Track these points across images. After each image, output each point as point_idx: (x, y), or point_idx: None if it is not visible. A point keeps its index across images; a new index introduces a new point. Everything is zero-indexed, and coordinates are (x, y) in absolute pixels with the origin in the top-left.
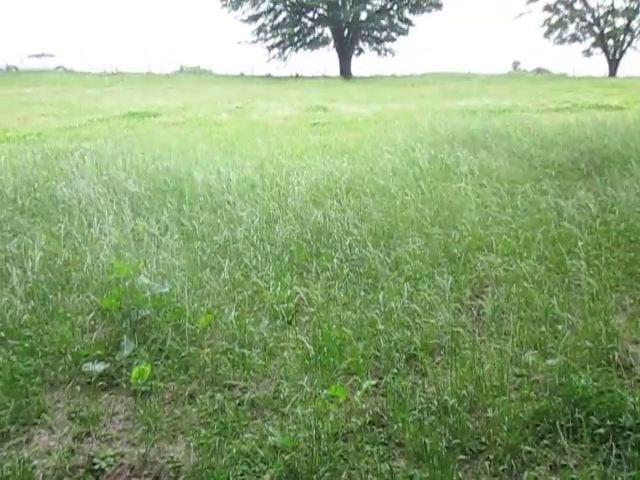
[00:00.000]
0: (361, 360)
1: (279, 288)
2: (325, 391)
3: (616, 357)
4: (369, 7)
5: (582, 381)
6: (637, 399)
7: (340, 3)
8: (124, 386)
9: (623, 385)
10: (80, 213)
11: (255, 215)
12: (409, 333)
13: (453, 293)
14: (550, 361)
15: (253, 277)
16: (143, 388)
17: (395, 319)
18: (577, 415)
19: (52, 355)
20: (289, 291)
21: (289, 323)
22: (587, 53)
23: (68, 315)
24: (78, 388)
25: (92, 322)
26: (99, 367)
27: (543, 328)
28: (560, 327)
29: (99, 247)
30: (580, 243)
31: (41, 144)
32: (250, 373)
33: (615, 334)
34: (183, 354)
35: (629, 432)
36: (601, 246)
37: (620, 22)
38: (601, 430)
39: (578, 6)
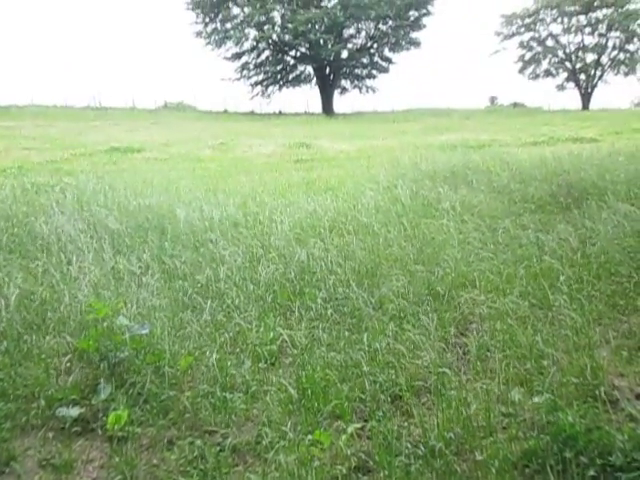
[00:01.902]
0: (346, 403)
1: (262, 329)
2: (309, 436)
3: (602, 392)
4: (350, 46)
5: (569, 418)
6: (626, 436)
7: (322, 42)
8: (100, 432)
9: (611, 421)
10: (59, 250)
11: (238, 254)
12: (394, 374)
13: (438, 332)
14: (536, 399)
15: (236, 318)
16: (120, 434)
17: (380, 360)
18: (566, 454)
19: (24, 399)
20: (272, 333)
21: (272, 365)
22: (561, 87)
23: (43, 357)
24: (51, 434)
25: (68, 364)
26: (74, 412)
27: (528, 365)
28: (545, 363)
29: (78, 286)
30: (562, 277)
31: (21, 178)
32: (232, 417)
33: (600, 368)
34: (162, 398)
35: (620, 473)
36: (583, 279)
37: (590, 57)
38: (591, 471)
39: (550, 43)
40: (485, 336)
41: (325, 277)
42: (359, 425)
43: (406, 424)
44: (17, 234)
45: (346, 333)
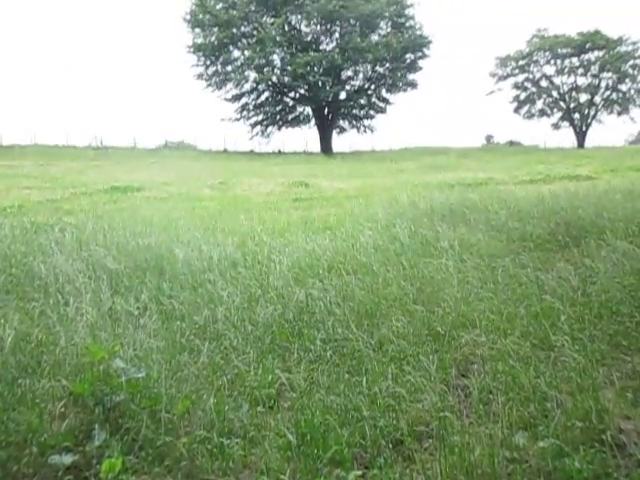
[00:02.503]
0: (346, 449)
1: (260, 371)
2: None
3: (609, 436)
4: (348, 87)
5: (576, 464)
6: None
7: (320, 84)
8: None
9: (619, 467)
10: (56, 291)
11: (236, 294)
12: (395, 418)
13: (439, 373)
14: (541, 443)
15: (234, 360)
16: None
17: (380, 403)
18: None
19: (16, 445)
20: (271, 375)
21: (270, 409)
22: (556, 126)
23: (37, 401)
24: None
25: (62, 409)
26: (67, 459)
27: (532, 407)
28: (549, 405)
29: (74, 327)
30: (563, 317)
31: (21, 217)
32: (229, 465)
33: (605, 411)
34: (158, 444)
35: None
36: (584, 319)
37: (584, 97)
38: None
39: (544, 84)
40: (487, 378)
41: (324, 318)
42: (360, 472)
43: (408, 471)
44: (15, 274)
45: (346, 375)
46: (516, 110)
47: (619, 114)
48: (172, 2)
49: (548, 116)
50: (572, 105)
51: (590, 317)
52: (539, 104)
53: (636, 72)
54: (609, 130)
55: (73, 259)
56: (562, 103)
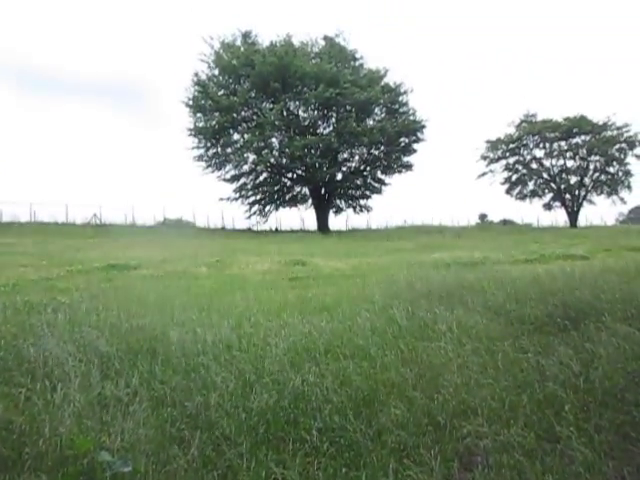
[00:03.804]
0: None
1: (253, 464)
2: None
3: None
4: (344, 169)
5: None
6: None
7: (317, 165)
8: None
9: None
10: (44, 376)
11: (230, 380)
12: None
13: (440, 468)
14: None
15: (226, 452)
16: None
17: None
18: None
19: None
20: (264, 470)
21: None
22: (547, 206)
23: None
24: None
25: None
26: None
27: None
28: None
29: (60, 415)
30: (567, 406)
31: (14, 296)
32: None
33: None
34: None
35: None
36: (589, 408)
37: (574, 179)
38: None
39: (534, 166)
40: (491, 472)
41: (320, 405)
42: None
43: None
44: (3, 358)
45: (343, 470)
46: (508, 191)
47: (608, 195)
48: (173, 84)
49: (540, 197)
50: (563, 186)
51: (595, 405)
52: (530, 185)
53: (622, 155)
54: (601, 209)
55: (64, 341)
56: (553, 184)
